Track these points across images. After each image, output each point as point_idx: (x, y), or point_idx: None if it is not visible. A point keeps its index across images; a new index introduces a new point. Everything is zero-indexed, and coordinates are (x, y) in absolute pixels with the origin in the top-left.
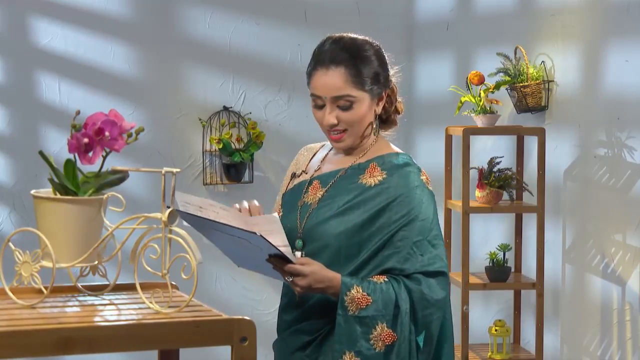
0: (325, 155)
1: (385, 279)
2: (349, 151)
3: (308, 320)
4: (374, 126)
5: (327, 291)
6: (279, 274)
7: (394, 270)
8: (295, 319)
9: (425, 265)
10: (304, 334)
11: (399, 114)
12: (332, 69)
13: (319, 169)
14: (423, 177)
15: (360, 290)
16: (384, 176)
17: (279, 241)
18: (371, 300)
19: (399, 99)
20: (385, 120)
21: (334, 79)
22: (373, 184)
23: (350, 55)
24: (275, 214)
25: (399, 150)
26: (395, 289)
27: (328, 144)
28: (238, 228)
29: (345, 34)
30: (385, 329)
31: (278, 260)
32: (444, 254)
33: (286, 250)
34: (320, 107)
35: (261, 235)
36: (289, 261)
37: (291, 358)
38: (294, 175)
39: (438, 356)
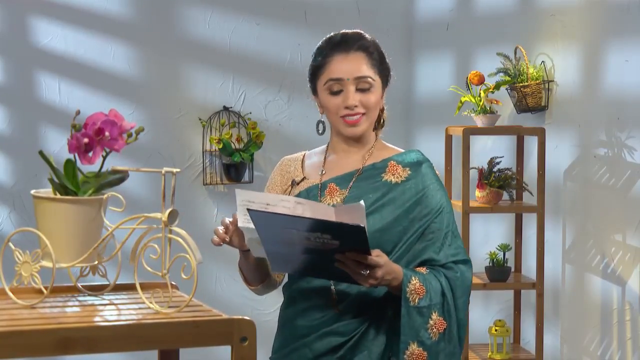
0: (324, 161)
1: (427, 270)
2: (357, 141)
3: (341, 322)
4: (381, 121)
5: (392, 283)
6: (328, 273)
7: (431, 262)
8: (325, 322)
9: (455, 254)
10: (337, 335)
11: (382, 123)
12: (352, 52)
13: (325, 173)
14: (437, 172)
15: (417, 281)
16: (409, 173)
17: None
18: (425, 291)
19: (385, 107)
20: (379, 125)
21: (356, 61)
22: (399, 181)
23: (364, 43)
24: (362, 202)
25: (401, 149)
26: (438, 278)
27: (310, 152)
28: (334, 222)
29: (346, 30)
30: (437, 317)
31: (355, 254)
32: (462, 243)
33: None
34: (337, 92)
35: (364, 228)
36: (367, 253)
37: None
38: (293, 183)
39: (462, 342)
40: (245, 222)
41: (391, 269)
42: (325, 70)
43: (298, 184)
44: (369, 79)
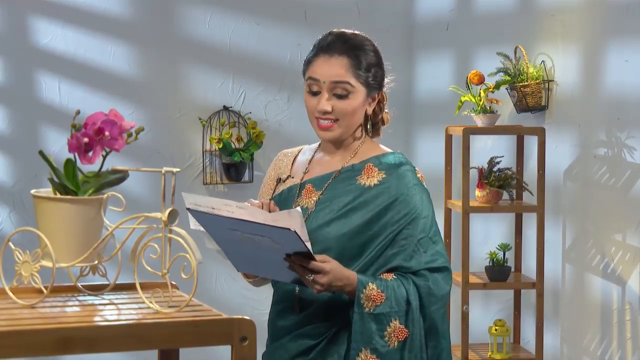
0: (311, 159)
1: (394, 277)
2: (337, 146)
3: (311, 324)
4: (368, 127)
5: (344, 289)
6: (288, 275)
7: (401, 268)
8: (297, 324)
9: (429, 261)
10: (308, 338)
11: (383, 124)
12: (335, 56)
13: (308, 171)
14: (419, 175)
15: (375, 288)
16: (383, 176)
17: (303, 236)
18: (384, 297)
19: (386, 110)
20: (372, 127)
21: (336, 66)
22: (373, 184)
23: (353, 47)
24: (299, 208)
25: (389, 150)
26: (405, 285)
27: (307, 147)
28: (267, 225)
29: (346, 30)
30: (398, 325)
31: (299, 258)
32: (444, 249)
33: (309, 246)
34: (315, 93)
35: (295, 232)
36: (311, 258)
37: None
38: (279, 181)
39: (439, 351)
40: (196, 225)
41: (341, 276)
42: (309, 68)
43: (284, 181)
44: (347, 85)
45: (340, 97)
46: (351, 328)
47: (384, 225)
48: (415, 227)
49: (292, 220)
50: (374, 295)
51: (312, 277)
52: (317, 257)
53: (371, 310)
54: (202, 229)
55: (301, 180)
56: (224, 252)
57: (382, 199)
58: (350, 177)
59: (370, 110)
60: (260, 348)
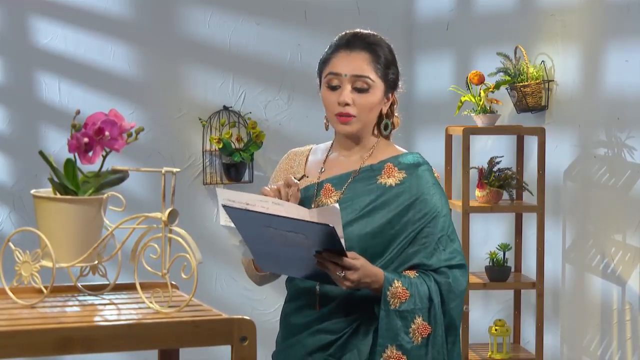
0: (326, 158)
1: (416, 274)
2: (355, 142)
3: (331, 320)
4: (382, 126)
5: (371, 286)
6: (307, 272)
7: (422, 266)
8: (316, 320)
9: (448, 259)
10: (328, 333)
11: (394, 127)
12: (355, 51)
13: (324, 171)
14: (435, 175)
15: (400, 285)
16: (404, 176)
17: (339, 233)
18: (409, 295)
19: (397, 114)
20: (384, 129)
21: (357, 60)
22: (393, 184)
23: (372, 44)
24: (337, 205)
25: (405, 150)
26: (427, 282)
27: (316, 147)
28: (305, 221)
29: (362, 29)
30: (421, 322)
31: (331, 255)
32: (460, 247)
33: (343, 242)
34: (334, 88)
35: (333, 228)
36: (343, 255)
37: (308, 359)
38: None
39: (456, 347)
40: (227, 221)
41: (370, 272)
42: (328, 64)
43: (298, 181)
44: (368, 80)
45: (361, 91)
46: (372, 323)
47: (405, 224)
48: (436, 225)
49: (329, 216)
50: (399, 293)
51: (343, 274)
52: (349, 254)
53: (397, 308)
54: (232, 225)
55: (318, 179)
56: (250, 249)
57: (403, 199)
58: (370, 176)
59: (385, 110)
60: (261, 348)
